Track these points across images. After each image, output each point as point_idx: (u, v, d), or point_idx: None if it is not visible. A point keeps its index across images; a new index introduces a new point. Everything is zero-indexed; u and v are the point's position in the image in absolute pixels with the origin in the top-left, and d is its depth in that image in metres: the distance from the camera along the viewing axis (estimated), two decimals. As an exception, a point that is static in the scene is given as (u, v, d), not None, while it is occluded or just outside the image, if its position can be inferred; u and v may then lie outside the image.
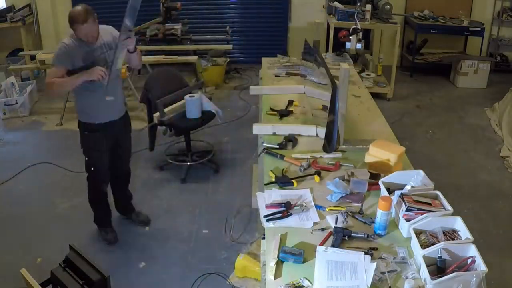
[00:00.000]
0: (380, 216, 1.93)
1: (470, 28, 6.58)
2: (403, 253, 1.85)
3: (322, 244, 1.90)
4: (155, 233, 3.60)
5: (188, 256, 3.36)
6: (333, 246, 1.86)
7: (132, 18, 2.77)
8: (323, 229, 2.01)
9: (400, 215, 1.96)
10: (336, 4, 6.03)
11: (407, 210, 1.93)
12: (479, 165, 4.62)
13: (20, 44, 6.73)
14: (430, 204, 1.98)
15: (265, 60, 4.14)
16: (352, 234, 1.92)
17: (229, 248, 3.40)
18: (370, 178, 2.34)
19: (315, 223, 2.05)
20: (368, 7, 5.62)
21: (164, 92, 4.16)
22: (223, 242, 3.47)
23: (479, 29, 6.56)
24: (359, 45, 3.76)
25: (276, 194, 2.24)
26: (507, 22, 7.03)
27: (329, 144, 2.52)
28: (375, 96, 3.96)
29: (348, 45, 3.78)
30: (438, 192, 2.04)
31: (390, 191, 2.11)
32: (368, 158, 2.39)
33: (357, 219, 2.06)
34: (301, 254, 1.82)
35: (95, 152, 3.26)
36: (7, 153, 4.83)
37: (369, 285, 1.66)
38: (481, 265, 1.65)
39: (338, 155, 2.59)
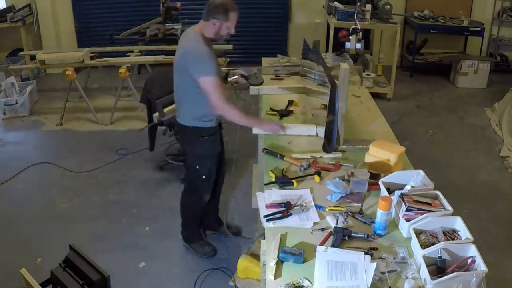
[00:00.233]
0: (380, 216, 1.93)
1: (470, 28, 6.57)
2: (403, 253, 1.85)
3: (322, 244, 1.90)
4: (155, 233, 3.59)
5: (188, 256, 3.36)
6: (333, 246, 1.86)
7: None
8: (323, 229, 2.01)
9: (400, 215, 1.96)
10: (336, 4, 6.02)
11: (407, 210, 1.94)
12: (479, 165, 4.61)
13: (20, 44, 6.72)
14: (430, 204, 1.98)
15: (265, 60, 4.14)
16: (352, 234, 1.92)
17: (230, 248, 3.40)
18: (370, 178, 2.35)
19: (315, 223, 2.05)
20: (368, 7, 5.61)
21: (164, 92, 4.15)
22: (223, 242, 3.47)
23: (479, 29, 6.55)
24: (359, 45, 3.75)
25: (276, 194, 2.24)
26: (507, 22, 7.02)
27: (329, 144, 2.53)
28: (375, 96, 3.96)
29: (348, 45, 3.78)
30: (438, 192, 2.05)
31: (390, 191, 2.11)
32: (368, 158, 2.39)
33: (357, 219, 2.06)
34: (301, 254, 1.82)
35: (211, 158, 3.05)
36: (7, 153, 4.83)
37: (369, 285, 1.66)
38: (481, 265, 1.65)
39: (338, 155, 2.59)
